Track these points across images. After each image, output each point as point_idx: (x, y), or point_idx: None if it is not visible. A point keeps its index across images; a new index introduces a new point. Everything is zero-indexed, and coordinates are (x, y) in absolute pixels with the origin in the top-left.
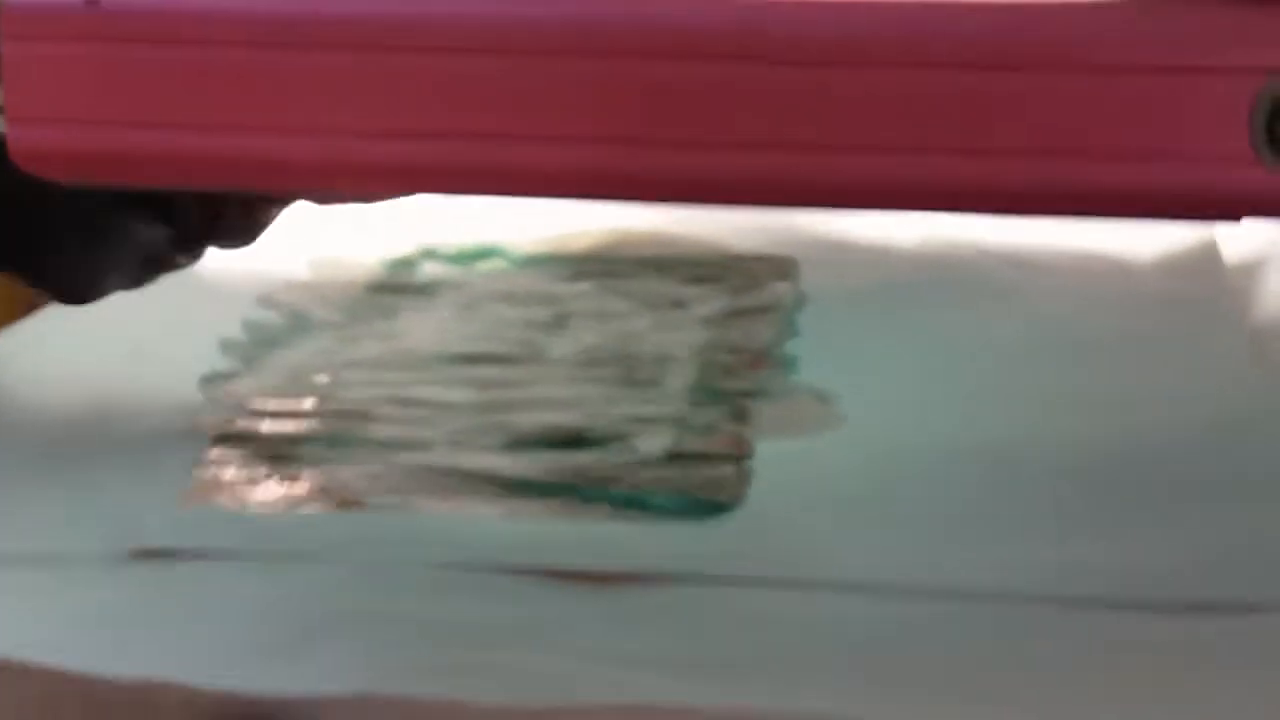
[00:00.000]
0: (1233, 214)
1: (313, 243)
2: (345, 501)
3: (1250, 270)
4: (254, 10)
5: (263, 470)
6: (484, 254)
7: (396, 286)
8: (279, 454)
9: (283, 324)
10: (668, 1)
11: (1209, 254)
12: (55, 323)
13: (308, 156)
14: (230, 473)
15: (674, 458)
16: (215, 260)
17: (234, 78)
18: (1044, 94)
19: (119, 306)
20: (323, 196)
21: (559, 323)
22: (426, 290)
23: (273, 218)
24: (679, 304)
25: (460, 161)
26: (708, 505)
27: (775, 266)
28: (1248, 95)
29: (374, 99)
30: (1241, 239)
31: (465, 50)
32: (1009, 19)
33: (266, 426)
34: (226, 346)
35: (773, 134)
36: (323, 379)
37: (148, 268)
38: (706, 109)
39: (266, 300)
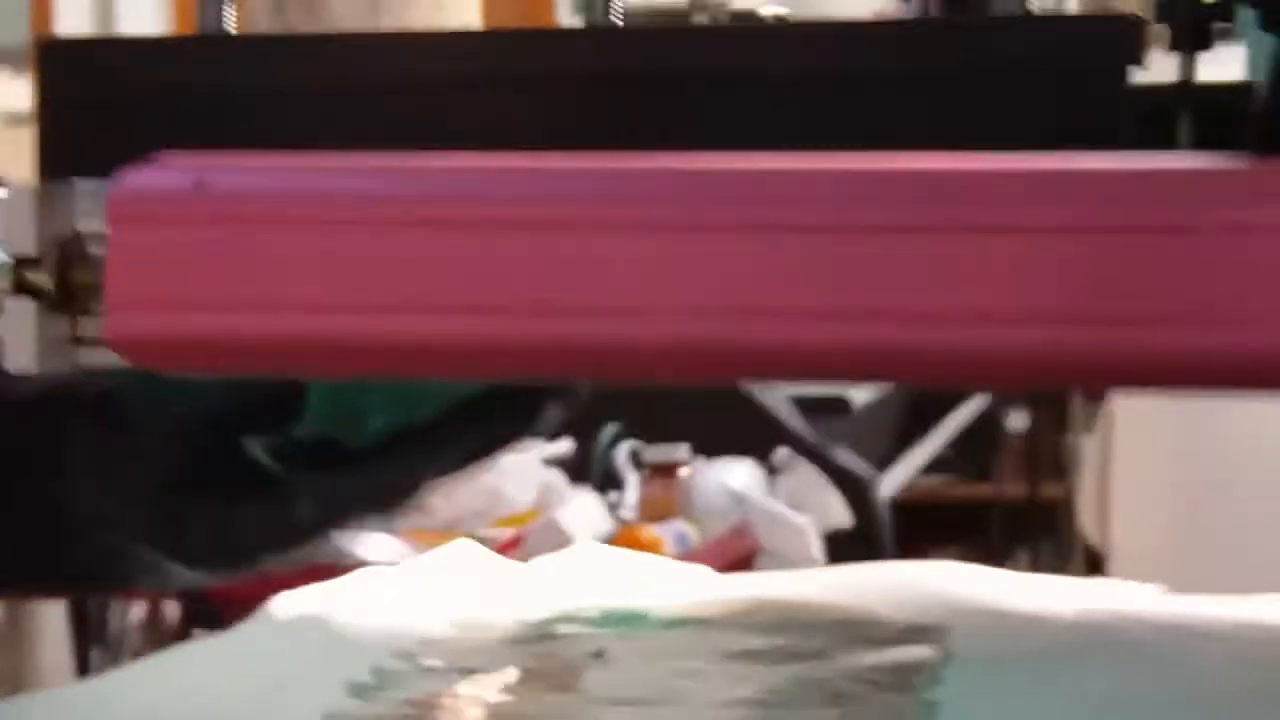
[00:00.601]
0: None
1: (453, 604)
2: None
3: None
4: (368, 189)
5: None
6: (626, 619)
7: (534, 643)
8: None
9: (413, 673)
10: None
11: None
12: (182, 655)
13: (424, 336)
14: None
15: None
16: (353, 612)
17: (345, 258)
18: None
19: (251, 644)
20: None
21: (698, 674)
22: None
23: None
24: (823, 654)
25: (579, 340)
26: None
27: (923, 634)
28: None
29: (503, 276)
30: None
31: (587, 225)
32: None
33: None
34: (353, 689)
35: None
36: (447, 704)
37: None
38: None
39: (400, 653)
